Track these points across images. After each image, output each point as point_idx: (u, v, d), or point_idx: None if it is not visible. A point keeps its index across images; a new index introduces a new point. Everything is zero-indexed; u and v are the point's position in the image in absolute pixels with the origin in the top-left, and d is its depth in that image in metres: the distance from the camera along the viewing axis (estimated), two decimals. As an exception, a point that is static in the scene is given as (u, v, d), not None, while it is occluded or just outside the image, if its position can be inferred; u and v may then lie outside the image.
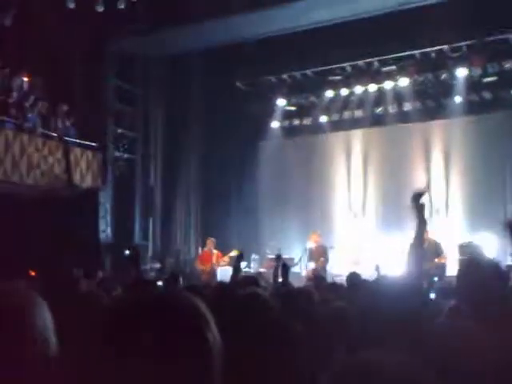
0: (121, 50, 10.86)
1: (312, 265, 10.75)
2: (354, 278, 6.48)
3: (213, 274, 10.64)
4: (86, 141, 10.10)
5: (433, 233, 9.82)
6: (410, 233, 2.66)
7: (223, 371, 1.22)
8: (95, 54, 10.37)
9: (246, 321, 2.00)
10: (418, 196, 2.62)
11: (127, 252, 9.11)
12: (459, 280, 2.57)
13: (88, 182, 10.07)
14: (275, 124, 13.48)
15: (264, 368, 1.71)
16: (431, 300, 4.45)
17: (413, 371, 1.02)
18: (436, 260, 9.29)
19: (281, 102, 13.09)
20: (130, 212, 10.76)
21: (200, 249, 11.79)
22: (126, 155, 11.04)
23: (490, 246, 10.84)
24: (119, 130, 11.00)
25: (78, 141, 10.02)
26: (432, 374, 1.06)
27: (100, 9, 9.97)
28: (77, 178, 9.97)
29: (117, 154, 10.89)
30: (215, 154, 12.34)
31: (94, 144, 10.22)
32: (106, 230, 9.71)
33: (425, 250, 9.61)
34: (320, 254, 10.78)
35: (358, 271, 9.40)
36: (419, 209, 2.59)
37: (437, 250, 9.64)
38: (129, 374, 1.05)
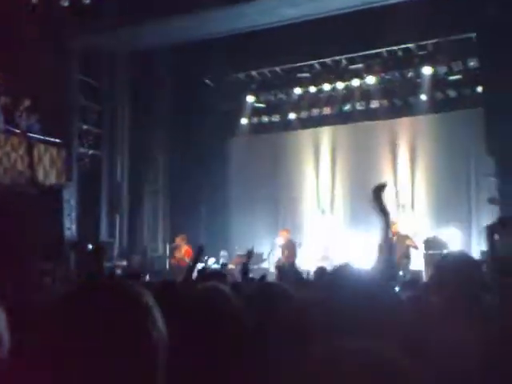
0: (86, 45, 10.66)
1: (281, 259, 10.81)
2: (321, 272, 6.53)
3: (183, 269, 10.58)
4: (50, 137, 9.90)
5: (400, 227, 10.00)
6: (377, 228, 2.66)
7: (171, 364, 1.20)
8: (60, 49, 10.15)
9: (200, 314, 1.97)
10: (378, 190, 2.63)
11: (90, 247, 9.00)
12: (435, 273, 2.60)
13: (52, 178, 9.87)
14: (244, 121, 13.48)
15: (214, 362, 1.68)
16: (395, 293, 4.50)
17: (390, 357, 1.02)
18: (407, 242, 9.46)
19: (250, 99, 13.09)
20: (96, 209, 10.60)
21: (168, 246, 11.70)
22: (91, 152, 10.86)
23: (455, 240, 11.06)
24: (84, 126, 10.81)
25: (41, 137, 9.81)
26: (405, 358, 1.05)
27: (65, 3, 9.78)
28: (40, 174, 9.77)
29: (82, 150, 10.70)
30: (184, 151, 12.25)
31: (58, 140, 10.03)
32: (70, 227, 9.54)
33: (394, 242, 9.82)
34: (289, 250, 10.83)
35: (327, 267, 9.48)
36: (380, 202, 2.60)
37: (405, 242, 9.81)
38: (65, 372, 1.01)
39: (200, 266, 10.90)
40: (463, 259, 2.59)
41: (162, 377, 1.09)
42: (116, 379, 1.02)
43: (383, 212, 2.57)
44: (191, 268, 4.30)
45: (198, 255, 4.58)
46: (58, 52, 10.11)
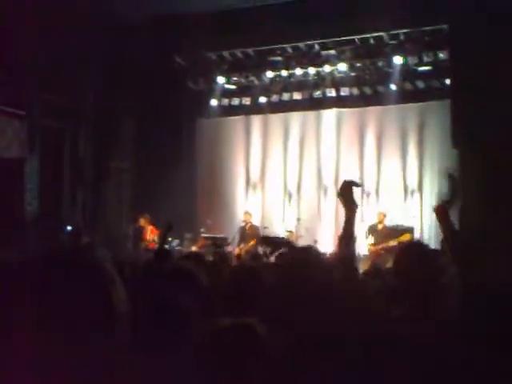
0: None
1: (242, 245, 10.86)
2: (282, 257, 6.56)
3: (149, 250, 10.47)
4: (11, 108, 9.59)
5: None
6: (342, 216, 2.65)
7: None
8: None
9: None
10: (348, 185, 2.61)
11: (69, 227, 8.86)
12: (398, 260, 2.68)
13: (14, 151, 9.59)
14: (214, 102, 13.34)
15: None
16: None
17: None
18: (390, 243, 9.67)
19: (220, 80, 12.94)
20: (59, 184, 10.35)
21: (131, 226, 11.55)
22: (54, 124, 10.56)
23: (419, 229, 11.29)
24: (47, 97, 10.47)
25: (2, 108, 9.49)
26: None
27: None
28: (2, 147, 9.48)
29: (45, 122, 10.38)
30: (151, 130, 12.05)
31: (21, 112, 9.72)
32: (32, 202, 9.30)
33: (355, 235, 9.95)
34: (252, 234, 10.86)
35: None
36: (348, 196, 2.59)
37: (390, 234, 10.00)
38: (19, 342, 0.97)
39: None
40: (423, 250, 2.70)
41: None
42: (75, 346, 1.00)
43: (350, 206, 2.57)
44: (160, 247, 4.27)
45: (166, 233, 4.53)
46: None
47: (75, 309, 1.00)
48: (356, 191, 2.63)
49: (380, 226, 10.32)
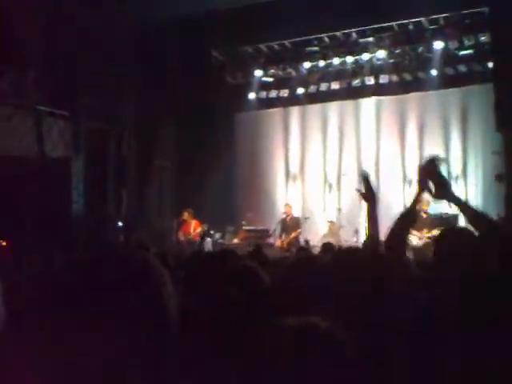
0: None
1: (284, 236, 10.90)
2: (327, 247, 6.60)
3: (193, 243, 10.66)
4: (57, 109, 9.90)
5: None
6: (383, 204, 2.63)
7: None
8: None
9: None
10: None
11: (120, 224, 9.09)
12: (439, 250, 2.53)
13: (60, 151, 9.91)
14: (252, 95, 13.39)
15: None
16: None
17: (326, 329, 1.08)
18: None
19: (258, 73, 12.97)
20: (103, 183, 10.64)
21: (175, 221, 11.76)
22: (99, 124, 10.85)
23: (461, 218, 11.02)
24: (91, 99, 10.77)
25: (49, 109, 9.81)
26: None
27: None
28: (48, 147, 9.81)
29: (90, 123, 10.68)
30: (191, 125, 12.21)
31: (65, 113, 10.03)
32: (78, 200, 9.61)
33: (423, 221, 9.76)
34: (293, 226, 10.89)
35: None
36: (368, 188, 2.58)
37: (434, 222, 9.78)
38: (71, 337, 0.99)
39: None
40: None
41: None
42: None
43: (369, 196, 2.56)
44: (199, 246, 4.31)
45: (204, 235, 4.53)
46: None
47: (127, 311, 1.01)
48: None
49: (424, 216, 10.07)
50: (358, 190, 2.59)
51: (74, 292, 1.02)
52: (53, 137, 10.02)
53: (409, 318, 1.81)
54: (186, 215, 11.27)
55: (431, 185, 2.45)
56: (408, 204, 2.53)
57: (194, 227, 11.12)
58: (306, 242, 7.45)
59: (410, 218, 2.47)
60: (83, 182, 9.77)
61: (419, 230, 9.89)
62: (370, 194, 2.57)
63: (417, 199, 2.48)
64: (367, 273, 1.95)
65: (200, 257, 3.80)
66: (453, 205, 2.48)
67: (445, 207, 10.73)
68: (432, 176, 2.40)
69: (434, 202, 2.57)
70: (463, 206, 2.44)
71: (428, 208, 10.19)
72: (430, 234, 9.68)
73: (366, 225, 2.56)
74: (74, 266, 1.09)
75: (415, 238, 9.76)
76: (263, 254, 4.75)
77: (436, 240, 2.74)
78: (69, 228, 9.15)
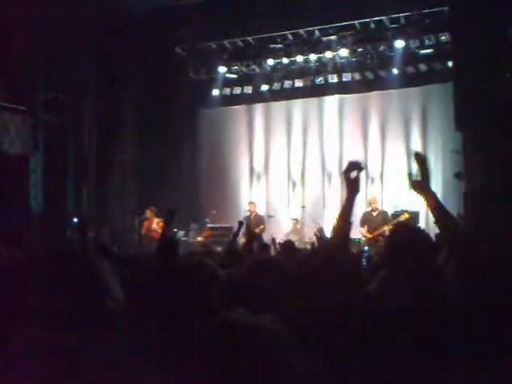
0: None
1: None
2: (288, 245, 6.61)
3: (155, 241, 10.49)
4: (14, 105, 9.60)
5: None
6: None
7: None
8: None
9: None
10: (351, 168, 2.57)
11: (75, 220, 8.87)
12: (390, 245, 2.54)
13: (18, 147, 9.62)
14: (216, 92, 13.30)
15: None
16: (364, 268, 4.51)
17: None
18: (385, 228, 9.59)
19: (222, 70, 12.89)
20: (63, 179, 10.39)
21: (137, 218, 11.58)
22: (57, 120, 10.58)
23: (425, 213, 11.23)
24: (50, 93, 10.49)
25: (6, 105, 9.51)
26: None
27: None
28: (6, 143, 9.51)
29: (48, 118, 10.41)
30: (153, 121, 12.05)
31: (23, 108, 9.73)
32: (36, 197, 9.35)
33: (374, 218, 9.91)
34: (257, 224, 10.89)
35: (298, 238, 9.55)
36: (351, 180, 2.56)
37: (384, 219, 9.94)
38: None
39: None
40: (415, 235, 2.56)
41: None
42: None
43: (351, 191, 2.54)
44: (163, 233, 4.17)
45: (170, 220, 4.39)
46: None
47: (71, 306, 1.06)
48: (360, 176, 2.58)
49: (374, 213, 10.16)
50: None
51: (30, 288, 1.07)
52: (10, 133, 9.72)
53: (357, 314, 1.85)
54: (148, 213, 11.11)
55: (417, 174, 2.47)
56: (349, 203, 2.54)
57: (157, 225, 10.97)
58: (273, 239, 7.43)
59: (349, 219, 2.51)
60: (42, 179, 9.50)
61: (372, 228, 9.94)
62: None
63: (352, 199, 2.51)
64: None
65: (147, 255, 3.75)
66: (422, 199, 2.49)
67: (405, 205, 10.95)
68: (423, 166, 2.42)
69: (410, 190, 2.53)
70: (437, 201, 2.46)
71: (377, 205, 10.30)
72: (382, 230, 9.70)
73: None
74: (32, 263, 1.15)
75: (367, 239, 9.83)
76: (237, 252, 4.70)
77: (387, 236, 2.80)
78: (27, 225, 8.89)
